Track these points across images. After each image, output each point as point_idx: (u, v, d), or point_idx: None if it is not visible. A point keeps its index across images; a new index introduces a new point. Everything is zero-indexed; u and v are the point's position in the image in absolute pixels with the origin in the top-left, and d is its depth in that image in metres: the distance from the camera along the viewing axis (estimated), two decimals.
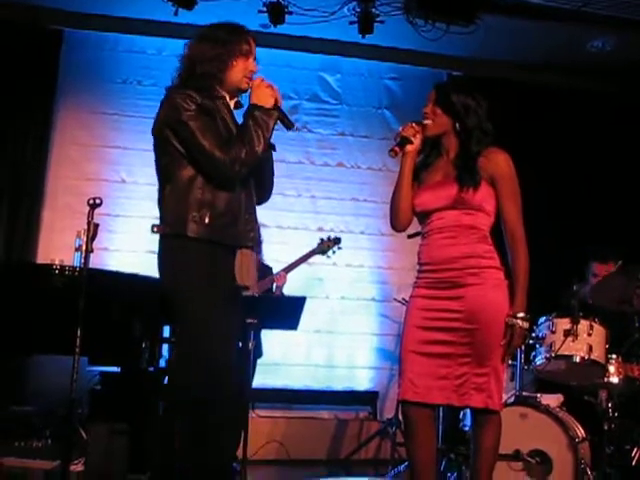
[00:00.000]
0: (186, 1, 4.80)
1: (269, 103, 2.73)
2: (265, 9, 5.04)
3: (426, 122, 2.85)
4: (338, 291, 5.86)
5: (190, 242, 2.60)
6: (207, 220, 2.61)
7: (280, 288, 4.68)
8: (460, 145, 2.84)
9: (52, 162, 5.67)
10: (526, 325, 2.71)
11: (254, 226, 2.80)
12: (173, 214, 2.65)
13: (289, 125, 2.78)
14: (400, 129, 2.91)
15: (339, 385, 5.81)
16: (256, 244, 2.83)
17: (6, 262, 5.07)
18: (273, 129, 2.73)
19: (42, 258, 5.34)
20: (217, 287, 2.62)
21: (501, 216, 2.80)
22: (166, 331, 4.03)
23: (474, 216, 2.77)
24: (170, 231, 2.65)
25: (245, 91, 2.82)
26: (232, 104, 2.84)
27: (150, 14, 5.52)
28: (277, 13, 5.03)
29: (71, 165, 5.67)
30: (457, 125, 2.82)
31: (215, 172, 2.64)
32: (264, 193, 2.92)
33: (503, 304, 2.74)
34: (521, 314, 2.71)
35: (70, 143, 5.72)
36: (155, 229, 2.68)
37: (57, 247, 5.23)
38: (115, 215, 5.51)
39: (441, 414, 4.41)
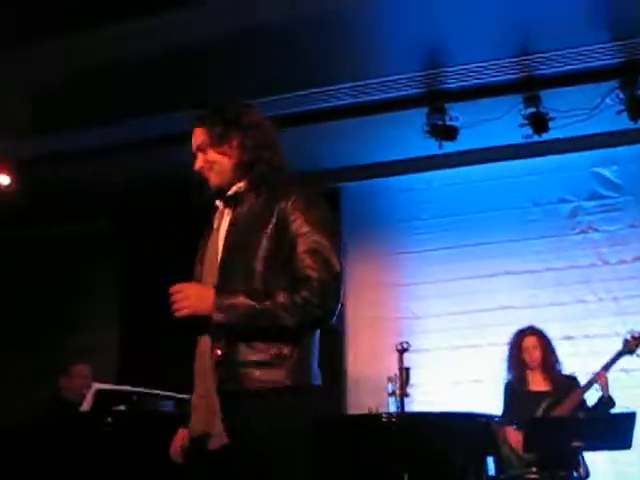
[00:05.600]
0: (449, 134, 4.93)
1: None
2: (527, 122, 5.01)
3: None
4: None
5: None
6: None
7: (604, 388, 4.34)
8: None
9: (347, 306, 5.98)
10: None
11: None
12: None
13: None
14: None
15: None
16: None
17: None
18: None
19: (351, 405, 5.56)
20: None
21: None
22: (490, 465, 3.91)
23: None
24: None
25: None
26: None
27: (415, 152, 5.75)
28: (539, 123, 4.97)
29: (366, 305, 5.94)
30: None
31: None
32: None
33: None
34: None
35: (362, 287, 6.00)
36: None
37: (366, 391, 5.40)
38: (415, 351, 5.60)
39: None
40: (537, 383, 4.55)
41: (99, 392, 3.98)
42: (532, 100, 5.01)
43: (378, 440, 3.45)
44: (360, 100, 5.09)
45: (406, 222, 5.99)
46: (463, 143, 5.27)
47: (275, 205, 2.14)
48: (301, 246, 2.10)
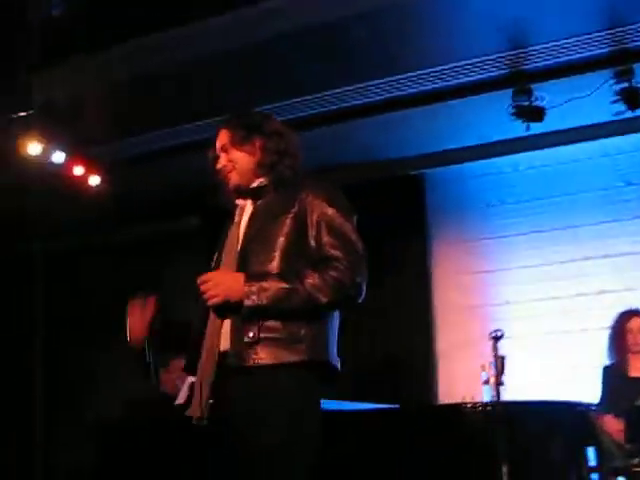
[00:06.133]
0: (535, 115, 4.79)
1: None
2: (619, 97, 4.81)
3: None
4: None
5: None
6: None
7: None
8: None
9: (435, 293, 5.90)
10: None
11: None
12: None
13: None
14: None
15: None
16: None
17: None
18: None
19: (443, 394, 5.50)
20: None
21: None
22: (591, 455, 3.77)
23: None
24: None
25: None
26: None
27: (500, 135, 5.61)
28: (633, 98, 4.76)
29: (454, 292, 5.86)
30: None
31: None
32: None
33: None
34: None
35: (448, 274, 5.92)
36: None
37: (457, 380, 5.33)
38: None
39: None
40: (639, 368, 4.38)
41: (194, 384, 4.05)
42: (624, 74, 4.80)
43: (473, 430, 3.39)
44: (443, 85, 4.99)
45: (493, 207, 5.86)
46: (550, 124, 5.11)
47: (297, 196, 2.26)
48: (325, 229, 2.20)
